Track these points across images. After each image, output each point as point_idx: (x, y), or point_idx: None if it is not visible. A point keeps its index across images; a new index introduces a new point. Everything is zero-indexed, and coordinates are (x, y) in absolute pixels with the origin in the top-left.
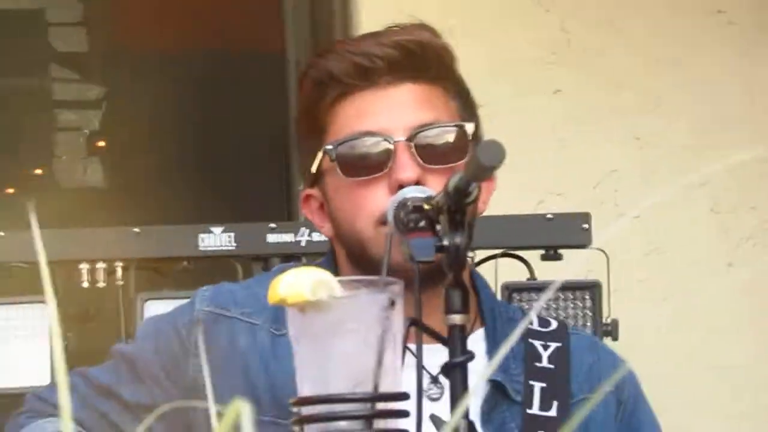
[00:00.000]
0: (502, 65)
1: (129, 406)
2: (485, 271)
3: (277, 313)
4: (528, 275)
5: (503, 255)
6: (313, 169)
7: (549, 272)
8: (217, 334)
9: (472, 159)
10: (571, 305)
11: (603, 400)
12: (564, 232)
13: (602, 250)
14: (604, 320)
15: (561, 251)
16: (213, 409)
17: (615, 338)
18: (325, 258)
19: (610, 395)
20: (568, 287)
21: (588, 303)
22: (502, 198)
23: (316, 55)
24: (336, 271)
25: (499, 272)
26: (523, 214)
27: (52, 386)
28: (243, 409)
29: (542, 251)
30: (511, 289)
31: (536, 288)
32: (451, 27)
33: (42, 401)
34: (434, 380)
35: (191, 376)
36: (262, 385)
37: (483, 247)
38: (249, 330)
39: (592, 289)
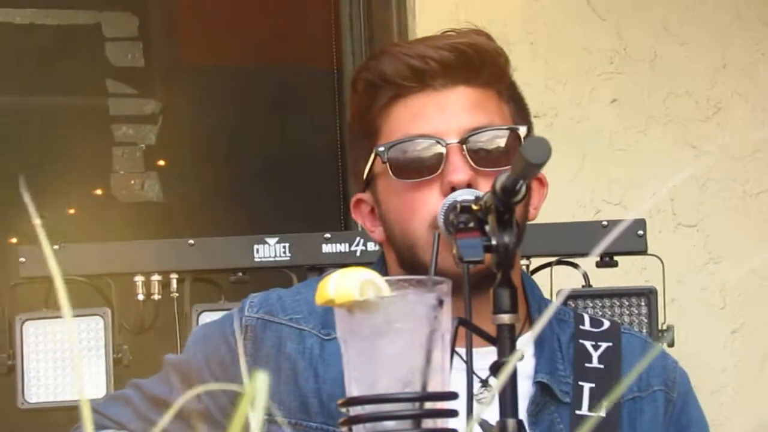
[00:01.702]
0: (559, 75)
1: (182, 414)
2: (540, 279)
3: (326, 318)
4: (583, 282)
5: (558, 262)
6: (366, 171)
7: (604, 280)
8: (265, 339)
9: (518, 157)
10: (627, 312)
11: (652, 398)
12: (619, 239)
13: (658, 257)
14: (660, 327)
15: (616, 258)
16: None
17: (671, 344)
18: (376, 263)
19: (659, 393)
20: (623, 294)
21: (644, 309)
22: (561, 207)
23: (368, 58)
24: (386, 275)
25: (554, 280)
26: (578, 221)
27: (108, 399)
28: (260, 383)
29: (597, 258)
30: (566, 297)
31: (591, 295)
32: (508, 36)
33: (97, 414)
34: (484, 383)
35: (240, 383)
36: (310, 390)
37: (538, 254)
38: (297, 335)
39: (648, 295)
